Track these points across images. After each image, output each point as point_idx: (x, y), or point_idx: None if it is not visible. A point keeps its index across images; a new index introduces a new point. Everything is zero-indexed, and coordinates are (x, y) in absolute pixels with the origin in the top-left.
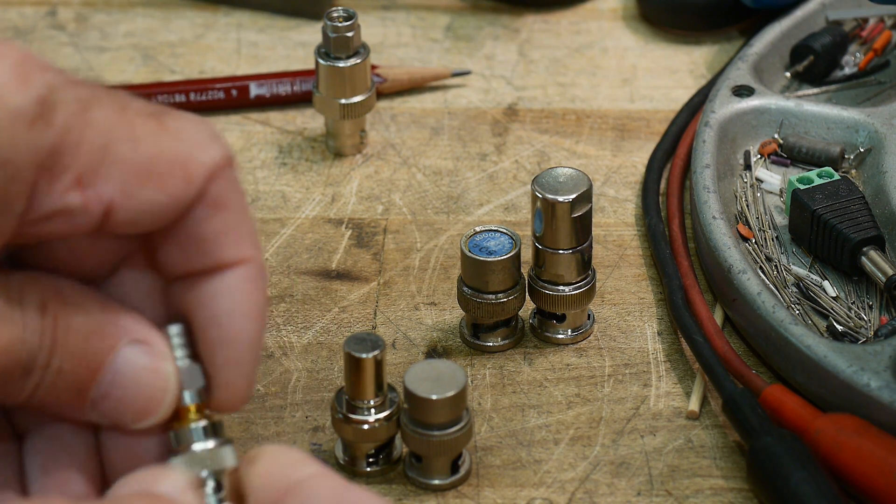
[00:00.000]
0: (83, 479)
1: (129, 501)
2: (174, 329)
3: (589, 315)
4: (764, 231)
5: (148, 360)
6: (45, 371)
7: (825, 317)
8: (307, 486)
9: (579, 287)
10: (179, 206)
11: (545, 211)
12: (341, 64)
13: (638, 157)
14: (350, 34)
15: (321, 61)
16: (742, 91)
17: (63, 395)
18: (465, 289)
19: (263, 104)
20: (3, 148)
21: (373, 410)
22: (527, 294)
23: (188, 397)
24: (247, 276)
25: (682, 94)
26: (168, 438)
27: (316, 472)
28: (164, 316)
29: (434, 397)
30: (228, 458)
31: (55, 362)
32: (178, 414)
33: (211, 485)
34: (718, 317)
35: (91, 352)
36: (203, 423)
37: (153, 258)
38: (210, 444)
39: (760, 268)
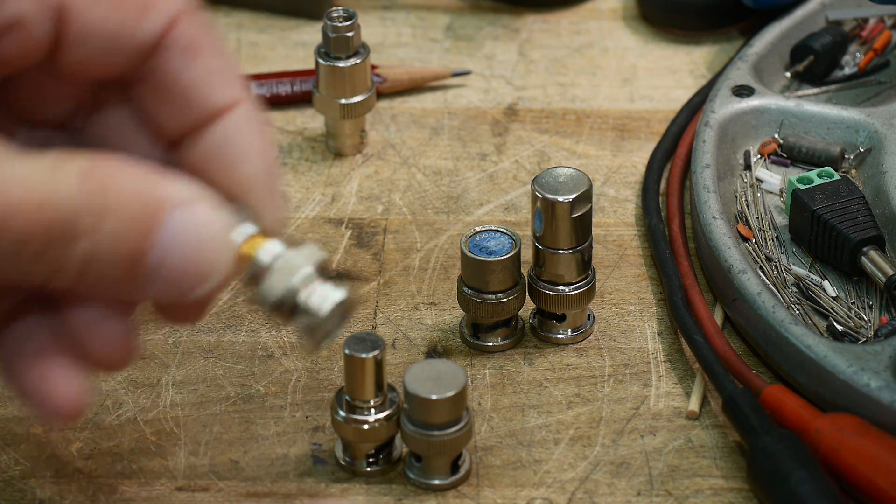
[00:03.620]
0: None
1: None
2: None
3: (589, 315)
4: (764, 231)
5: (202, 218)
6: (95, 236)
7: (825, 317)
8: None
9: (579, 287)
10: (137, 39)
11: (545, 211)
12: (341, 64)
13: (638, 157)
14: (350, 34)
15: (321, 61)
16: (742, 91)
17: (117, 267)
18: (465, 289)
19: (263, 104)
20: None
21: (373, 410)
22: (527, 294)
23: (250, 228)
24: (242, 117)
25: (682, 94)
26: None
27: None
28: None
29: (434, 397)
30: (316, 251)
31: (106, 226)
32: (248, 246)
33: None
34: (718, 317)
35: (143, 213)
36: (276, 240)
37: (151, 126)
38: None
39: (760, 268)
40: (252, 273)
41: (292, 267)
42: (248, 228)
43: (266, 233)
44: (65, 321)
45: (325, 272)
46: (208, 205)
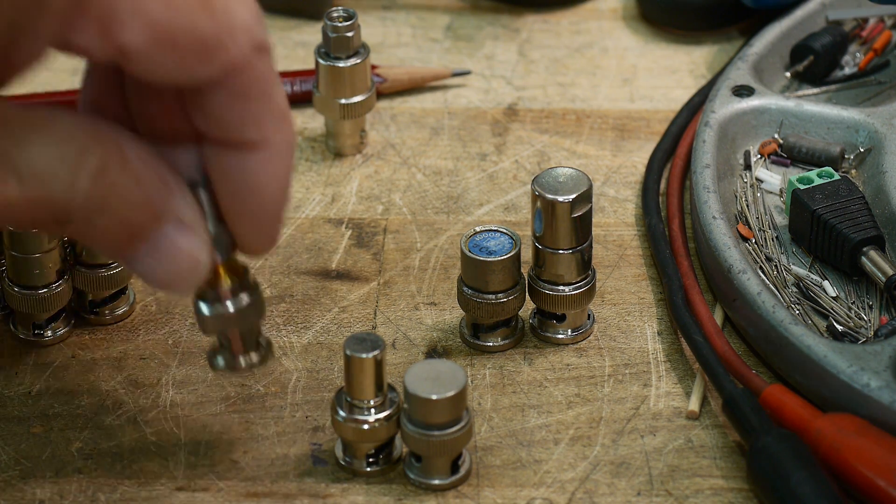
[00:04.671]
0: None
1: None
2: (203, 195)
3: (589, 315)
4: (764, 231)
5: (187, 244)
6: (85, 225)
7: (825, 317)
8: None
9: (579, 287)
10: (195, 81)
11: (545, 211)
12: (341, 64)
13: (638, 157)
14: (350, 34)
15: (321, 61)
16: (742, 91)
17: (100, 246)
18: (465, 289)
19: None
20: None
21: (373, 410)
22: (527, 294)
23: (218, 256)
24: (270, 157)
25: (682, 94)
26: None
27: None
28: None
29: (434, 397)
30: (259, 308)
31: (98, 221)
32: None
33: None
34: (718, 317)
35: (136, 222)
36: (230, 283)
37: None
38: (241, 300)
39: (760, 268)
40: (206, 295)
41: (230, 317)
42: (219, 257)
43: (233, 264)
44: None
45: (253, 335)
46: (197, 231)
